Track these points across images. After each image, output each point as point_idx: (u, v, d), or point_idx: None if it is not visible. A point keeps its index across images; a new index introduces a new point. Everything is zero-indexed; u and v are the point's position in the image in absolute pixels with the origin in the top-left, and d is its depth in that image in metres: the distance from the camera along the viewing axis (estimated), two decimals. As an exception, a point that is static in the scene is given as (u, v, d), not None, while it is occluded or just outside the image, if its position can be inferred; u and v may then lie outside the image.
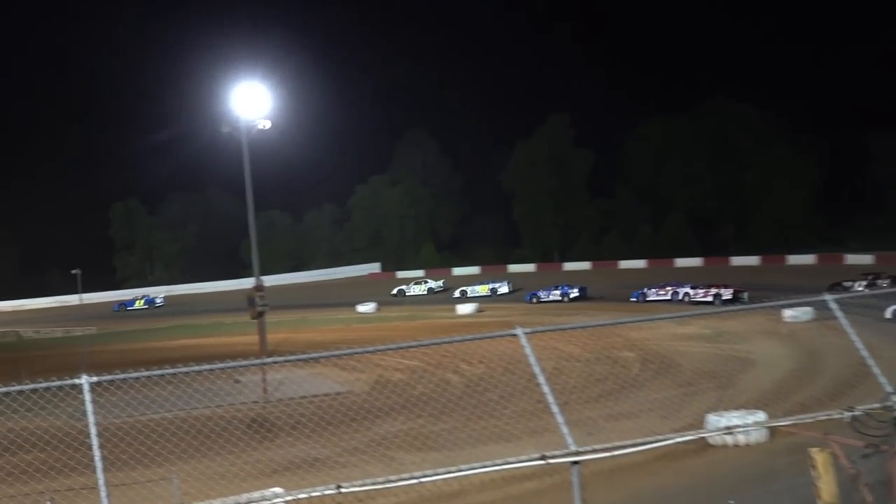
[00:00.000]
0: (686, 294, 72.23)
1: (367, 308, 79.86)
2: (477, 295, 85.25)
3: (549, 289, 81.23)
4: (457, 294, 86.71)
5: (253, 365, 22.18)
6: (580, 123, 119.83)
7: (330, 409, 31.41)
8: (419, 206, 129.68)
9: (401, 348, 17.61)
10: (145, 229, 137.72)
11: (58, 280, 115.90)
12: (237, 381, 41.27)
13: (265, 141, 52.66)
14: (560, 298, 78.83)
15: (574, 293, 79.12)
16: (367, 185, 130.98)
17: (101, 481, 8.30)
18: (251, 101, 46.15)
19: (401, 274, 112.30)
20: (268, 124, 46.35)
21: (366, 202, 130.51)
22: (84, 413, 8.53)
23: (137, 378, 9.15)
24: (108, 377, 8.89)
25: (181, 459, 23.38)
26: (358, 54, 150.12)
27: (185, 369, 9.47)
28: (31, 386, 8.97)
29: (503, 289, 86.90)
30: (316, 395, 37.08)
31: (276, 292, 77.22)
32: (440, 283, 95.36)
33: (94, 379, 8.59)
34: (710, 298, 70.73)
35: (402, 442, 26.53)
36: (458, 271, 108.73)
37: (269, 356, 40.32)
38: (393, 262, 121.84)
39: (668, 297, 72.59)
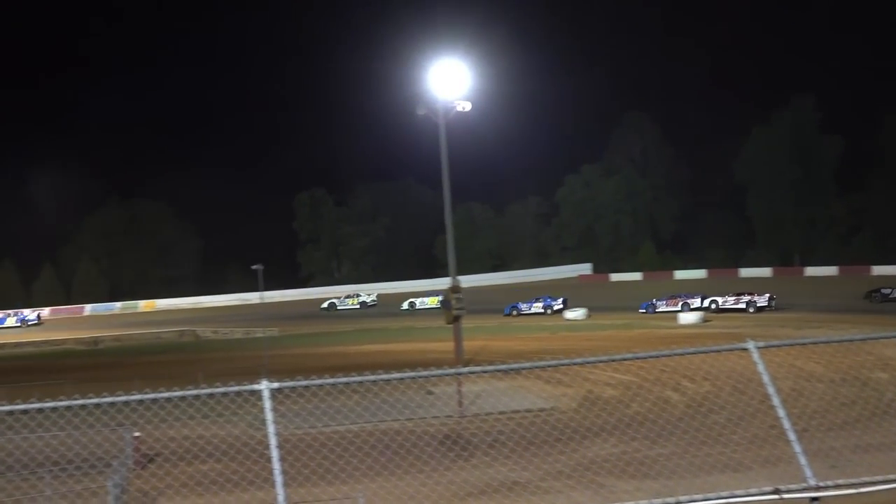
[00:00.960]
0: (714, 302, 76.91)
1: (575, 314, 79.56)
2: (426, 307, 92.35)
3: (530, 301, 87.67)
4: (405, 306, 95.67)
5: (447, 375, 22.40)
6: (828, 105, 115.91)
7: (532, 426, 31.43)
8: (637, 200, 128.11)
9: (613, 361, 17.40)
10: (332, 222, 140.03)
11: (238, 276, 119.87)
12: (430, 393, 41.79)
13: (464, 125, 52.98)
14: (543, 311, 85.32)
15: (558, 305, 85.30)
16: (578, 175, 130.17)
17: (280, 497, 8.52)
18: (449, 81, 46.43)
19: (615, 277, 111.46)
20: (467, 106, 46.49)
21: (576, 195, 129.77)
22: (263, 422, 8.77)
23: (321, 385, 9.35)
24: (290, 384, 9.12)
25: (367, 477, 23.82)
26: (569, 28, 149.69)
27: (372, 377, 9.63)
28: (209, 391, 9.29)
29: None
30: (516, 411, 37.16)
31: (475, 294, 77.95)
32: (373, 297, 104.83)
33: (275, 385, 8.82)
34: (742, 305, 75.79)
35: (614, 467, 26.27)
36: (680, 274, 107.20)
37: (466, 365, 40.78)
38: (606, 263, 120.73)
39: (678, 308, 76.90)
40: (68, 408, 8.80)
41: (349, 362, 53.65)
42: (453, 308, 43.90)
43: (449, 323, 45.05)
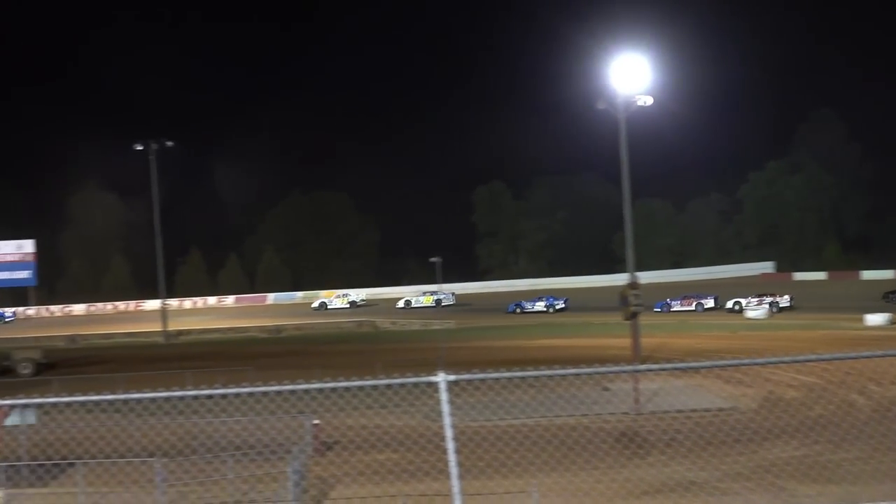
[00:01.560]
0: (737, 303, 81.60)
1: (757, 313, 78.03)
2: (420, 305, 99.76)
3: (533, 300, 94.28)
4: (400, 304, 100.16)
5: (624, 372, 22.20)
6: None
7: (710, 426, 30.96)
8: (822, 198, 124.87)
9: (796, 362, 16.99)
10: (510, 216, 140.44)
11: (416, 268, 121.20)
12: (606, 389, 41.57)
13: (645, 119, 52.52)
14: (545, 309, 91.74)
15: (560, 305, 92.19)
16: (762, 171, 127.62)
17: (455, 489, 8.57)
18: (630, 75, 46.07)
19: (798, 276, 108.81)
20: (648, 100, 46.06)
21: (759, 191, 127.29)
22: (440, 413, 8.83)
23: (497, 379, 9.36)
24: (467, 376, 9.16)
25: (542, 471, 23.80)
26: (753, 22, 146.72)
27: (548, 372, 9.60)
28: (386, 381, 9.39)
29: (448, 300, 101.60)
30: (694, 410, 36.66)
31: (653, 291, 77.13)
32: (362, 297, 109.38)
33: (452, 377, 8.86)
34: (765, 306, 79.73)
35: (795, 470, 25.65)
36: (867, 275, 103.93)
37: (643, 362, 40.38)
38: (789, 262, 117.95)
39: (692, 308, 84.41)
40: (251, 394, 9.02)
41: (526, 356, 53.80)
42: (631, 305, 43.52)
43: (626, 319, 44.69)
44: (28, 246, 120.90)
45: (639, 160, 52.10)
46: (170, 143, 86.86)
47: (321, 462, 31.18)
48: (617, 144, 45.71)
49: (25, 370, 62.56)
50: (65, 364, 65.20)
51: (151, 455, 28.75)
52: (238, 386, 9.25)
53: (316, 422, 33.23)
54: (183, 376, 49.02)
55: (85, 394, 9.88)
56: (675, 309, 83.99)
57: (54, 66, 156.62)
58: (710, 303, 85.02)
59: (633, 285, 43.99)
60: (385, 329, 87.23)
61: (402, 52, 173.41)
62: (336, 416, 35.01)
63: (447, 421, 8.83)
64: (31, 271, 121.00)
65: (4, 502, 29.04)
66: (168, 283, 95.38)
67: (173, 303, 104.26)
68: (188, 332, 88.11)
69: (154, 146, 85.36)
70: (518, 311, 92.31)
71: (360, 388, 9.47)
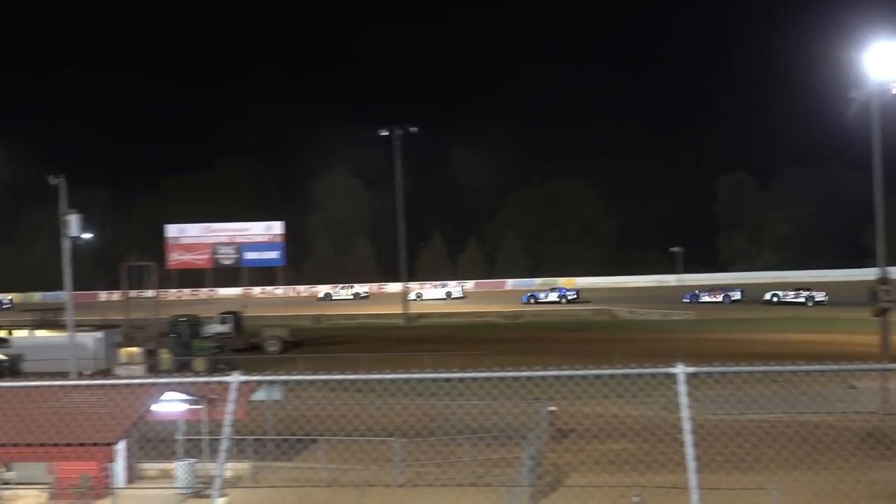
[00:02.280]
0: (775, 295, 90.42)
1: None
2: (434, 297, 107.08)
3: (546, 291, 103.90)
4: (412, 296, 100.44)
5: (872, 370, 21.42)
6: None
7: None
8: None
9: None
10: (755, 207, 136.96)
11: (657, 257, 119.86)
12: (852, 388, 40.15)
13: (899, 107, 50.28)
14: (558, 300, 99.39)
15: (572, 295, 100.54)
16: None
17: (692, 482, 8.45)
18: (884, 62, 44.24)
19: None
20: (903, 88, 44.14)
21: None
22: (677, 405, 8.72)
23: (738, 373, 9.17)
24: (706, 369, 9.01)
25: (782, 469, 23.25)
26: None
27: (791, 368, 9.33)
28: (623, 371, 9.34)
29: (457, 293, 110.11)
30: (948, 413, 35.03)
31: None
32: (366, 289, 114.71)
33: (691, 370, 8.73)
34: (801, 300, 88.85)
35: None
36: None
37: (893, 361, 38.75)
38: None
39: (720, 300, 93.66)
40: (488, 379, 9.12)
41: (767, 350, 52.45)
42: (881, 301, 41.88)
43: (875, 315, 43.01)
44: (277, 227, 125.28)
45: (893, 150, 49.98)
46: (413, 129, 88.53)
47: (556, 449, 31.29)
48: (869, 134, 44.00)
49: (273, 347, 65.00)
50: (310, 343, 67.39)
51: (390, 435, 29.47)
52: (476, 370, 9.36)
53: (552, 409, 33.36)
54: (422, 359, 49.97)
55: (328, 372, 10.18)
56: (703, 300, 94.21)
57: (312, 56, 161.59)
58: (736, 295, 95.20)
59: (884, 280, 42.36)
60: (623, 318, 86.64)
61: (648, 38, 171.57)
62: (572, 403, 35.02)
63: (685, 413, 8.71)
64: (279, 252, 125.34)
65: (251, 474, 30.32)
66: (409, 267, 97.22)
67: (414, 286, 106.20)
68: (428, 315, 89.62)
69: (398, 132, 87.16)
70: (532, 301, 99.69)
71: (598, 376, 9.43)
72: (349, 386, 27.53)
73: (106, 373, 54.59)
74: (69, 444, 25.11)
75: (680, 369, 8.76)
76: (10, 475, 29.19)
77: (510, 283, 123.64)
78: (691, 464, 8.54)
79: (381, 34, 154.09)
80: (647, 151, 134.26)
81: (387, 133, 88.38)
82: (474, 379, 9.13)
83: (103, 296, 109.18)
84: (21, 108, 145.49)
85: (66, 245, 49.28)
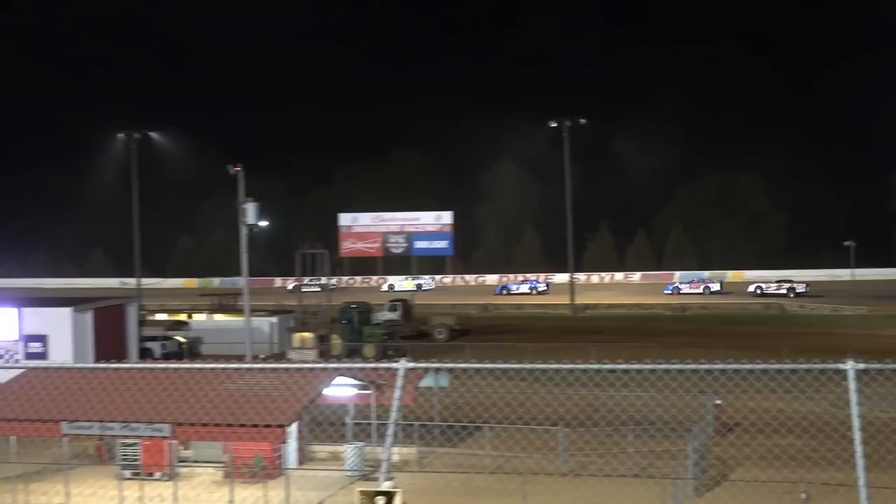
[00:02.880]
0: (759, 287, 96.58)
1: None
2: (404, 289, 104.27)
3: (518, 283, 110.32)
4: (384, 287, 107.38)
5: None
6: None
7: None
8: None
9: None
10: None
11: (828, 252, 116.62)
12: None
13: None
14: (529, 291, 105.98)
15: (542, 287, 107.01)
16: None
17: (861, 480, 8.25)
18: None
19: None
20: None
21: None
22: (847, 402, 8.52)
23: (909, 369, 8.89)
24: (878, 366, 8.78)
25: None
26: None
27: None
28: (791, 366, 9.18)
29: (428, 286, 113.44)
30: None
31: None
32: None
33: (861, 366, 8.51)
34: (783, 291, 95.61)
35: None
36: None
37: None
38: None
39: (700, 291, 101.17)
40: (652, 371, 9.04)
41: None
42: None
43: None
44: (446, 217, 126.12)
45: None
46: (582, 121, 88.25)
47: (721, 443, 30.83)
48: None
49: (440, 335, 65.51)
50: (477, 331, 67.72)
51: (554, 424, 29.44)
52: (641, 362, 9.30)
53: (718, 402, 32.85)
54: (588, 349, 49.79)
55: (494, 361, 10.24)
56: (684, 291, 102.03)
57: (482, 48, 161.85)
58: (716, 286, 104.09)
59: None
60: (793, 312, 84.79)
61: (827, 30, 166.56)
62: (738, 397, 34.43)
63: (854, 410, 8.51)
64: (448, 241, 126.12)
65: (417, 459, 30.66)
66: (576, 258, 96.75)
67: (581, 277, 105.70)
68: (595, 306, 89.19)
69: (567, 124, 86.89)
70: (504, 292, 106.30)
71: (765, 371, 9.28)
72: (514, 375, 27.59)
73: (279, 357, 55.84)
74: (243, 425, 25.81)
75: (850, 365, 8.57)
76: (187, 453, 30.18)
77: (677, 276, 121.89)
78: (860, 462, 8.34)
79: (551, 25, 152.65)
80: (819, 143, 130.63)
81: (555, 125, 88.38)
82: (639, 371, 9.06)
83: (278, 282, 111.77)
84: (202, 102, 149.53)
85: (244, 233, 50.53)
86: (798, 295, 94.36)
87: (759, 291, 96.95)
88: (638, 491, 25.43)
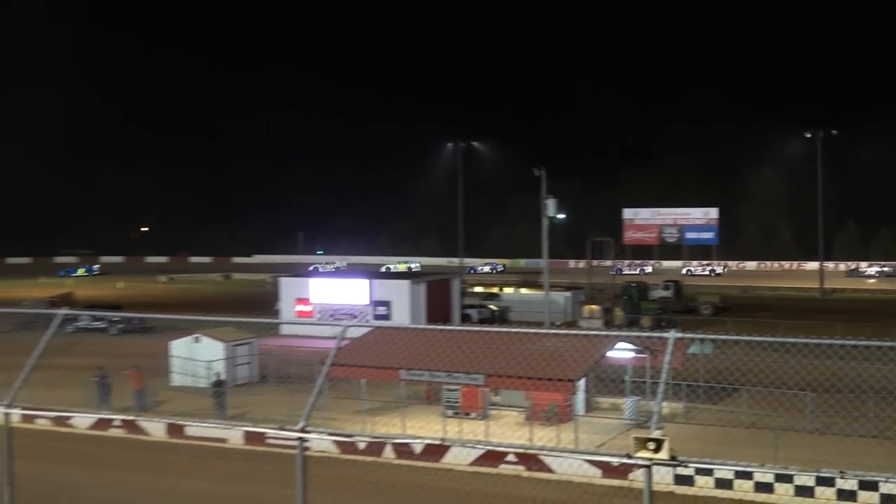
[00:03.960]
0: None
1: None
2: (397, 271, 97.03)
3: (482, 266, 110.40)
4: (382, 269, 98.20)
5: None
6: None
7: None
8: None
9: None
10: None
11: None
12: None
13: None
14: (490, 271, 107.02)
15: (500, 268, 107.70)
16: None
17: None
18: None
19: None
20: None
21: None
22: None
23: None
24: None
25: None
26: None
27: None
28: None
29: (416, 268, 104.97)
30: None
31: None
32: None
33: None
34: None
35: None
36: None
37: None
38: None
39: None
40: (891, 347, 8.57)
41: None
42: None
43: None
44: (713, 213, 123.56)
45: None
46: (833, 132, 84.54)
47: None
48: None
49: (706, 311, 64.02)
50: (737, 309, 65.66)
51: (803, 389, 28.24)
52: (881, 339, 8.87)
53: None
54: (833, 326, 47.39)
55: (750, 334, 10.04)
56: (626, 272, 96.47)
57: (740, 62, 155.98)
58: (648, 269, 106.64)
59: None
60: None
61: None
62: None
63: None
64: (713, 233, 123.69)
65: (683, 413, 30.17)
66: (826, 248, 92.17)
67: (829, 265, 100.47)
68: (841, 290, 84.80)
69: (820, 134, 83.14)
70: (472, 272, 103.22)
71: None
72: (768, 346, 26.63)
73: (571, 324, 56.11)
74: (541, 379, 26.14)
75: None
76: (497, 399, 30.88)
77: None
78: None
79: (796, 36, 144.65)
80: None
81: (809, 135, 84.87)
82: (879, 346, 8.65)
83: (571, 264, 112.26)
84: (508, 110, 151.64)
85: (545, 223, 50.98)
86: None
87: None
88: (876, 450, 24.17)
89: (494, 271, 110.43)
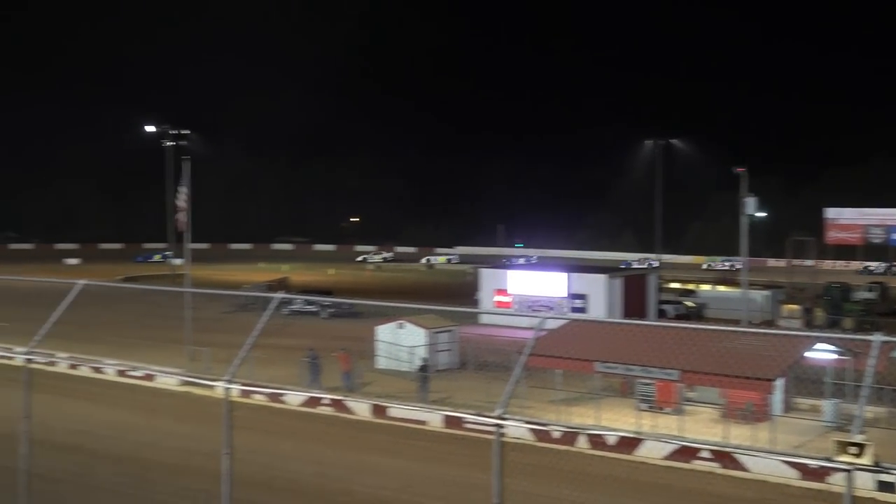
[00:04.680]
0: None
1: None
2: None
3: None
4: (423, 260, 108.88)
5: None
6: None
7: None
8: None
9: None
10: None
11: None
12: None
13: None
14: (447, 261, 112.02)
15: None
16: None
17: None
18: None
19: None
20: None
21: None
22: None
23: None
24: None
25: None
26: None
27: None
28: None
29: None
30: None
31: None
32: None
33: None
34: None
35: None
36: None
37: None
38: None
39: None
40: None
41: None
42: None
43: None
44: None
45: None
46: None
47: None
48: None
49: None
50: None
51: None
52: None
53: None
54: None
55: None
56: None
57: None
58: None
59: None
60: None
61: None
62: None
63: None
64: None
65: (887, 418, 28.54)
66: None
67: None
68: None
69: None
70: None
71: None
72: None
73: (769, 323, 54.08)
74: (738, 377, 25.33)
75: None
76: (691, 394, 30.13)
77: None
78: None
79: None
80: None
81: None
82: None
83: (770, 262, 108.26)
84: (708, 107, 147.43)
85: (744, 221, 49.44)
86: None
87: None
88: None
89: (649, 266, 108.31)
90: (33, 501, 11.67)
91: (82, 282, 12.20)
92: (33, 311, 13.23)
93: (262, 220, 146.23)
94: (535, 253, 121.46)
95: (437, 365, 36.37)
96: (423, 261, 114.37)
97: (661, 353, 26.22)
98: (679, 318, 54.63)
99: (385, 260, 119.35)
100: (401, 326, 37.32)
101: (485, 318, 49.40)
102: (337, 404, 28.67)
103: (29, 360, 11.56)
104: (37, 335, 11.70)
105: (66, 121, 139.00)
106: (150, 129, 72.38)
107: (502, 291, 55.25)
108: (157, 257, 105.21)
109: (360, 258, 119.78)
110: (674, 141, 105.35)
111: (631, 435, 22.16)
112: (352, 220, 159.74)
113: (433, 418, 25.12)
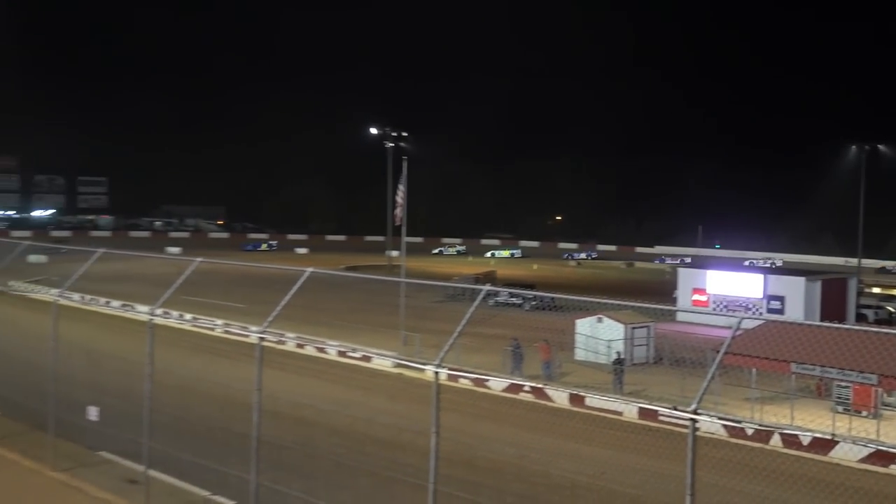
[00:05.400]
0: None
1: None
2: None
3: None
4: (435, 251, 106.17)
5: None
6: None
7: None
8: None
9: None
10: None
11: None
12: None
13: None
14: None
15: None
16: None
17: None
18: None
19: None
20: None
21: None
22: None
23: None
24: None
25: None
26: None
27: None
28: None
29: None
30: None
31: None
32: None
33: None
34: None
35: None
36: None
37: None
38: None
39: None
40: None
41: None
42: None
43: None
44: None
45: None
46: None
47: None
48: None
49: None
50: None
51: None
52: None
53: None
54: None
55: None
56: None
57: None
58: None
59: None
60: None
61: None
62: None
63: None
64: None
65: None
66: None
67: None
68: None
69: None
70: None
71: None
72: None
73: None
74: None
75: None
76: (890, 399, 28.26)
77: None
78: None
79: None
80: None
81: None
82: None
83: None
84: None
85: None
86: None
87: None
88: None
89: (772, 266, 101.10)
90: (262, 466, 12.31)
91: (310, 269, 12.77)
92: (267, 295, 13.94)
93: (469, 216, 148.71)
94: (730, 254, 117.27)
95: (634, 359, 35.84)
96: (564, 256, 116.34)
97: (860, 356, 24.75)
98: (880, 323, 51.37)
99: (589, 257, 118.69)
100: (600, 320, 37.01)
101: (681, 316, 48.26)
102: (537, 391, 28.74)
103: (261, 339, 12.20)
104: (269, 316, 12.35)
105: (299, 125, 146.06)
106: (373, 130, 74.80)
107: (700, 290, 53.83)
108: (263, 246, 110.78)
109: (564, 255, 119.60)
110: (880, 146, 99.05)
111: (827, 437, 21.04)
112: (557, 217, 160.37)
113: (629, 409, 24.75)
